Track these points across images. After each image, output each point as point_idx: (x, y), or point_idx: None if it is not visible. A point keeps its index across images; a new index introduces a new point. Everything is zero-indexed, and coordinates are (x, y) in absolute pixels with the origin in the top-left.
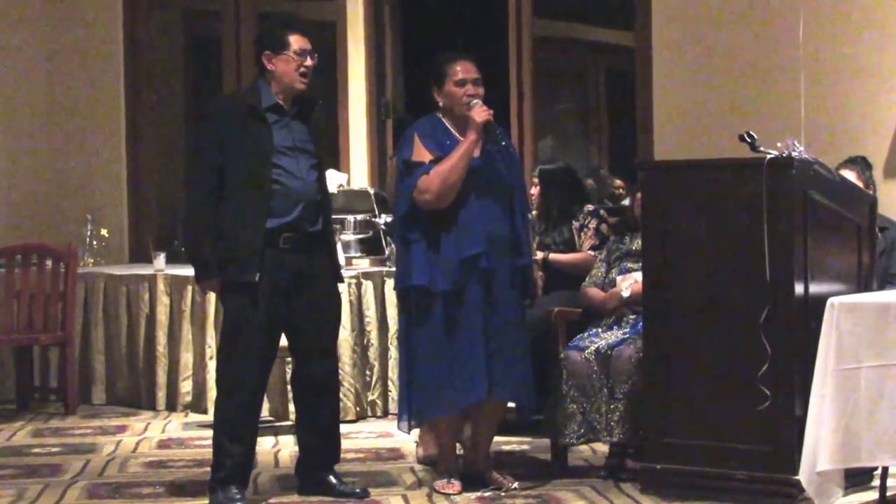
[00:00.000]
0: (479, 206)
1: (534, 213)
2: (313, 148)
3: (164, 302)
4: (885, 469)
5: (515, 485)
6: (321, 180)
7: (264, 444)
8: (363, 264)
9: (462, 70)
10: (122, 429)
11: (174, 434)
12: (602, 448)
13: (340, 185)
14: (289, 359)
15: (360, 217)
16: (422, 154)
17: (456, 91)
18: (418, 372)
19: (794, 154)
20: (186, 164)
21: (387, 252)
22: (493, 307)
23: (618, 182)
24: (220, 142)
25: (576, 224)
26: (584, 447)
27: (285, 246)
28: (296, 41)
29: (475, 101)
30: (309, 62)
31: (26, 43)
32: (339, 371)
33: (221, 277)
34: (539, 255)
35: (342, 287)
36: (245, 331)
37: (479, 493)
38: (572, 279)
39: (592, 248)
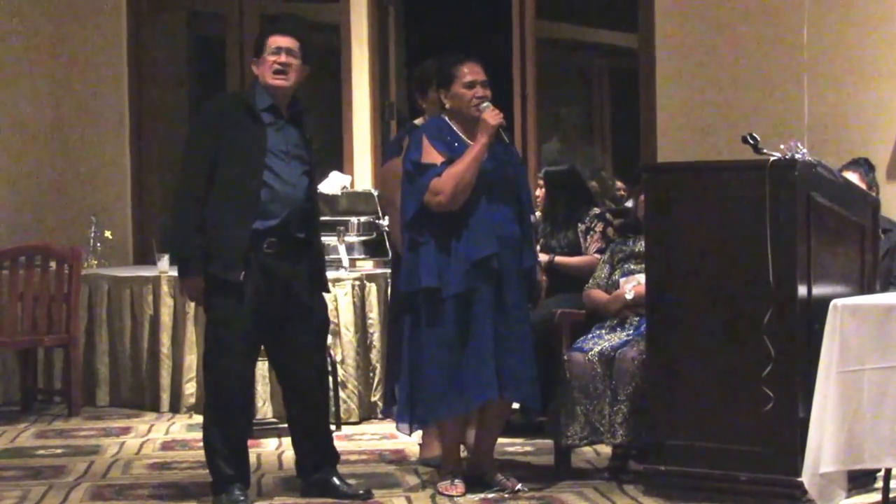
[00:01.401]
0: (489, 208)
1: (538, 214)
2: (306, 155)
3: (167, 304)
4: (889, 471)
5: (519, 486)
6: (312, 188)
7: (268, 446)
8: (366, 266)
9: (470, 72)
10: (125, 430)
11: (178, 436)
12: (605, 450)
13: (344, 187)
14: None
15: (363, 219)
16: (432, 156)
17: (465, 93)
18: (425, 373)
19: (797, 156)
20: (181, 158)
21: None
22: (501, 308)
23: (619, 184)
24: (214, 138)
25: (581, 227)
26: (587, 449)
27: (269, 251)
28: (272, 41)
29: (485, 104)
30: (283, 58)
31: (30, 45)
32: (343, 373)
33: (205, 275)
34: (544, 258)
35: (346, 289)
36: (230, 330)
37: (482, 495)
38: (576, 281)
39: (599, 251)
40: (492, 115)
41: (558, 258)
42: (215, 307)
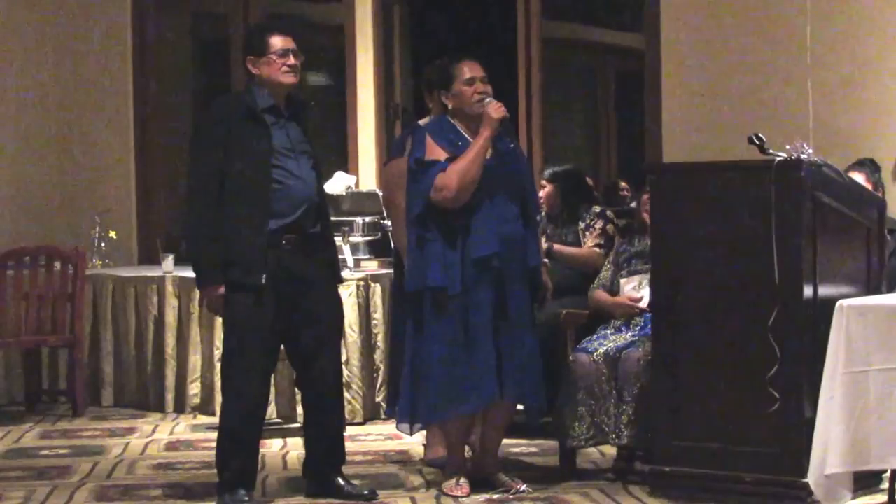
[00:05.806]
0: (492, 207)
1: (542, 214)
2: (311, 148)
3: (172, 304)
4: (894, 472)
5: (524, 487)
6: (319, 182)
7: (272, 447)
8: (371, 266)
9: (469, 69)
10: (130, 431)
11: (182, 436)
12: (610, 451)
13: (349, 187)
14: None
15: (368, 219)
16: (435, 153)
17: (466, 90)
18: (427, 373)
19: (802, 156)
20: (188, 168)
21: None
22: (504, 308)
23: (623, 184)
24: (220, 144)
25: (582, 225)
26: (592, 450)
27: (287, 247)
28: (276, 42)
29: (488, 98)
30: (292, 60)
31: (35, 45)
32: (348, 373)
33: (225, 281)
34: (543, 245)
35: (350, 289)
36: (249, 333)
37: (487, 496)
38: (580, 279)
39: (597, 245)
40: (494, 109)
41: (557, 246)
42: (236, 312)
